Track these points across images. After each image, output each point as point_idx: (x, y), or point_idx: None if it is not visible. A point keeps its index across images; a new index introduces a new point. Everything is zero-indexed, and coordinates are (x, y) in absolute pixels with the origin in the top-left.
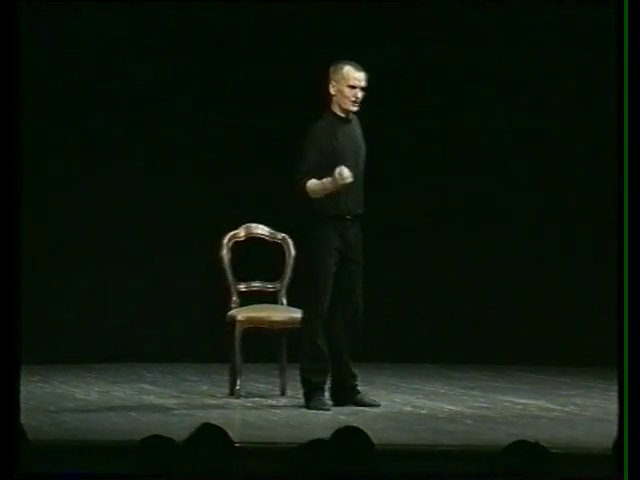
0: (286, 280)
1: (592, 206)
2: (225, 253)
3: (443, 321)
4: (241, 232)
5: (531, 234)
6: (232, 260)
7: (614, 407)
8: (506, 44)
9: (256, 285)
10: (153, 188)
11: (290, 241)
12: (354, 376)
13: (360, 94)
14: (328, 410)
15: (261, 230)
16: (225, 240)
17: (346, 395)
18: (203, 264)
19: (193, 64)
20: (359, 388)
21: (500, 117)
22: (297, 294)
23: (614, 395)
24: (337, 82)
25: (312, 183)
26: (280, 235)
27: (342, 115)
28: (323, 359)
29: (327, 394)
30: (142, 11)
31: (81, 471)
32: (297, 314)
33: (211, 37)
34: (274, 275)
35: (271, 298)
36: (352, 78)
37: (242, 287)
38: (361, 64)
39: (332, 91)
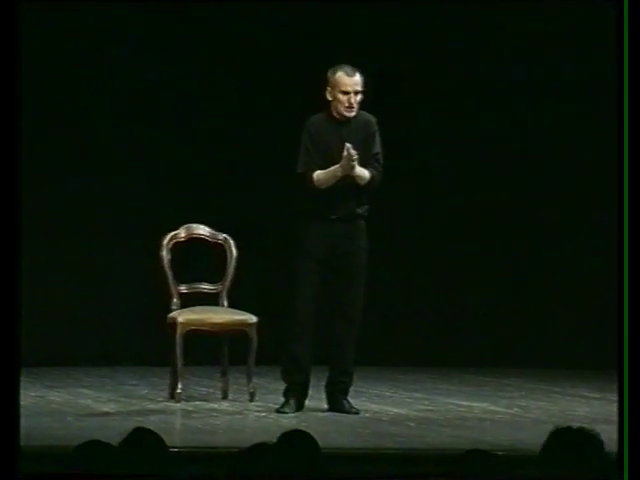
0: (227, 281)
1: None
2: (165, 254)
3: (387, 324)
4: (182, 232)
5: (488, 238)
6: (172, 261)
7: (557, 409)
8: (506, 44)
9: (197, 286)
10: (91, 188)
11: (232, 242)
12: (337, 383)
13: (354, 99)
14: (285, 413)
15: (202, 230)
16: (165, 240)
17: (331, 400)
18: (143, 265)
19: (135, 68)
20: (348, 397)
21: (499, 117)
22: (239, 296)
23: (558, 397)
24: (332, 88)
25: (320, 173)
26: (221, 236)
27: (339, 118)
28: (295, 364)
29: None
30: (142, 11)
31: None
32: (239, 316)
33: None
34: (215, 276)
35: (212, 300)
36: (344, 84)
37: (183, 288)
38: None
39: (328, 97)
